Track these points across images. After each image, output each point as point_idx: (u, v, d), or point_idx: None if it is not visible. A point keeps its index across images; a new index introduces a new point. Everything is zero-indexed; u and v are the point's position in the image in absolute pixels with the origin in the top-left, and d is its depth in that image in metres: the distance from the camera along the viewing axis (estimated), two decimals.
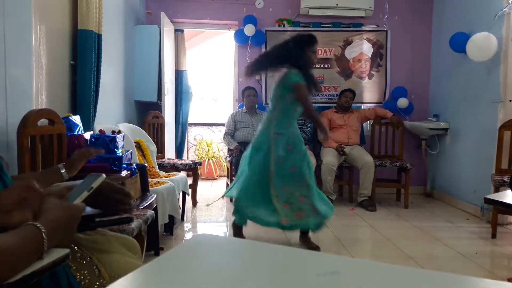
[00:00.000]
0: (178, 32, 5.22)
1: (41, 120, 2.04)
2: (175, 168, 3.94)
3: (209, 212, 4.18)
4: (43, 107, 2.41)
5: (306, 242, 3.06)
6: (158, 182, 3.12)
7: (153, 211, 2.18)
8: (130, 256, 1.22)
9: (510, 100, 3.74)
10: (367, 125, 5.13)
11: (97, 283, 1.04)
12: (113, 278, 1.07)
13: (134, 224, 1.80)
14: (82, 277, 1.05)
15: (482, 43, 3.82)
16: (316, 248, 3.00)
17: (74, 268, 1.06)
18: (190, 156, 6.49)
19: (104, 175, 1.03)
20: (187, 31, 5.65)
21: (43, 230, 0.81)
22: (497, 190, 3.36)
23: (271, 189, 2.90)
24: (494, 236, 3.41)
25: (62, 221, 0.87)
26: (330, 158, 4.35)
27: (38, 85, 2.41)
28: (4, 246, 0.73)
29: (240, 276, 0.85)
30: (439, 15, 5.13)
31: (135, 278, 0.85)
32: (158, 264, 0.90)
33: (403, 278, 0.86)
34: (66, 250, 0.84)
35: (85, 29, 2.88)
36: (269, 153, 2.94)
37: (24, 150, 1.83)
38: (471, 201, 4.21)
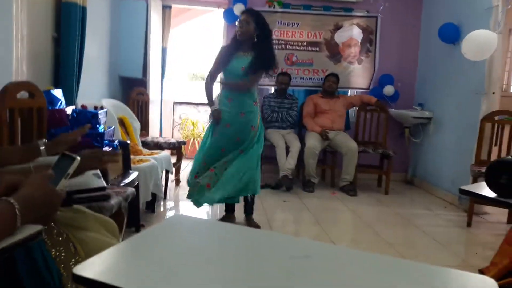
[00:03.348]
0: (166, 8, 5.12)
1: (20, 92, 2.00)
2: (158, 147, 3.92)
3: None
4: (24, 79, 2.35)
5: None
6: (141, 159, 3.10)
7: (133, 189, 2.17)
8: (107, 236, 1.22)
9: (493, 93, 3.79)
10: (352, 111, 5.15)
11: (73, 259, 1.04)
12: (88, 256, 1.07)
13: (113, 201, 1.79)
14: (57, 253, 1.04)
15: (481, 43, 3.57)
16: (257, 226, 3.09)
17: (50, 244, 1.06)
18: (175, 134, 6.45)
19: (78, 158, 1.00)
20: (174, 8, 5.54)
21: (16, 206, 0.80)
22: (475, 180, 3.43)
23: None
24: (469, 224, 3.50)
25: (39, 201, 0.85)
26: (313, 142, 4.37)
27: (18, 57, 2.35)
28: None
29: (214, 257, 0.86)
30: (429, 4, 5.12)
31: (109, 255, 0.85)
32: (132, 243, 0.91)
33: (372, 265, 0.88)
34: (39, 227, 0.84)
35: (69, 1, 2.80)
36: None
37: (2, 123, 1.79)
38: (450, 190, 4.29)
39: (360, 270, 0.84)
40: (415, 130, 5.10)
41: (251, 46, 2.92)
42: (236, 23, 2.96)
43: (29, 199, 0.84)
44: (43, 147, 1.48)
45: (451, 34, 4.32)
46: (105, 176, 2.19)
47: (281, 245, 0.96)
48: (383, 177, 4.76)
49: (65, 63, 2.82)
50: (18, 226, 0.79)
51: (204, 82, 3.13)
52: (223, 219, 3.16)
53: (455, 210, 4.02)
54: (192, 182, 2.96)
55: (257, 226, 3.09)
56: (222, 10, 5.10)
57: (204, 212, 3.53)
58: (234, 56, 2.92)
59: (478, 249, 3.10)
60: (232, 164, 2.90)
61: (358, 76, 5.18)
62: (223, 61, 2.95)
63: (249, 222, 3.12)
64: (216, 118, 2.95)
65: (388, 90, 5.06)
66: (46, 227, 0.96)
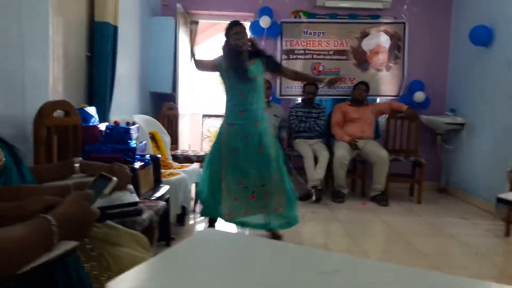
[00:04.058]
0: (193, 23, 5.24)
1: (57, 111, 2.09)
2: (188, 160, 3.98)
3: None
4: (59, 98, 2.46)
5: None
6: (171, 173, 3.16)
7: (165, 202, 2.21)
8: (139, 251, 1.25)
9: None
10: (382, 119, 5.08)
11: (105, 275, 1.07)
12: (121, 271, 1.10)
13: (145, 215, 1.83)
14: (90, 268, 1.08)
15: None
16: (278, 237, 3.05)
17: (83, 259, 1.10)
18: (204, 147, 6.53)
19: (115, 179, 1.04)
20: (202, 23, 5.65)
21: (53, 223, 0.83)
22: None
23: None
24: (507, 234, 3.36)
25: (75, 218, 0.88)
26: (342, 151, 4.33)
27: (55, 77, 2.46)
28: (14, 238, 0.76)
29: (244, 273, 0.86)
30: (459, 7, 5.01)
31: (141, 271, 0.87)
32: (163, 259, 0.92)
33: (405, 279, 0.86)
34: (75, 243, 0.87)
35: (102, 21, 2.91)
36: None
37: (40, 142, 1.87)
38: (486, 198, 4.15)
39: (393, 285, 0.82)
40: (447, 136, 4.97)
41: (249, 54, 2.94)
42: (231, 37, 2.90)
43: (66, 216, 0.87)
44: (78, 165, 1.53)
45: (483, 37, 4.21)
46: (136, 189, 2.25)
47: (311, 259, 0.95)
48: (415, 186, 4.65)
49: (98, 81, 2.93)
50: (55, 242, 0.83)
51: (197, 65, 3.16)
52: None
53: (492, 219, 3.87)
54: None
55: (279, 236, 3.06)
56: (248, 23, 5.17)
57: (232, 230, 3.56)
58: (239, 69, 2.91)
59: None
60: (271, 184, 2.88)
61: (386, 83, 5.11)
62: (231, 75, 2.92)
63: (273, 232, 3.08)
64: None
65: (419, 96, 4.96)
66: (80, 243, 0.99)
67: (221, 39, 3.07)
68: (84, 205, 0.92)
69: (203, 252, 0.96)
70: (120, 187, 1.21)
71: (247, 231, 3.08)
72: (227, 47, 2.95)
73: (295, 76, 3.37)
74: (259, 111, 2.92)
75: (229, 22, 3.00)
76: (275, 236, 3.04)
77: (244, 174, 2.86)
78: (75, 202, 0.91)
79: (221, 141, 2.94)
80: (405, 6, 5.02)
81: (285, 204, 2.91)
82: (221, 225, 3.14)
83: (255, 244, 1.06)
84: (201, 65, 3.14)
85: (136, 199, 1.26)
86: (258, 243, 1.07)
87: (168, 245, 2.77)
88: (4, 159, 1.16)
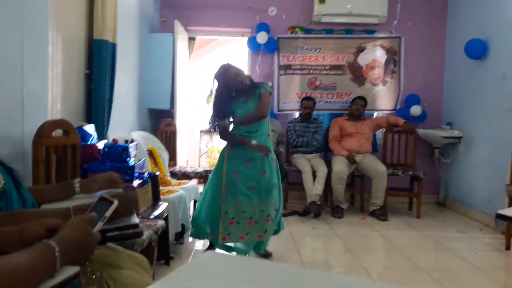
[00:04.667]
0: (191, 40, 5.28)
1: (56, 130, 2.08)
2: (186, 176, 3.97)
3: None
4: (58, 117, 2.46)
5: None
6: (170, 190, 3.15)
7: (163, 221, 2.20)
8: (140, 272, 1.24)
9: None
10: (379, 133, 5.10)
11: None
12: None
13: (144, 235, 1.82)
14: None
15: None
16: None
17: (84, 282, 1.09)
18: (201, 163, 6.53)
19: (116, 202, 1.04)
20: (200, 38, 5.70)
21: (56, 249, 0.83)
22: (511, 200, 3.30)
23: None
24: (508, 247, 3.35)
25: (78, 243, 0.89)
26: (340, 166, 4.33)
27: (54, 95, 2.46)
28: (17, 266, 0.76)
29: None
30: (453, 21, 5.08)
31: None
32: (164, 284, 0.91)
33: None
34: (77, 268, 0.86)
35: (100, 39, 2.93)
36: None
37: (38, 162, 1.86)
38: (485, 211, 4.14)
39: None
40: (445, 150, 4.99)
41: (246, 92, 2.94)
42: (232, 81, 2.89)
43: (68, 241, 0.87)
44: (78, 185, 1.53)
45: (478, 50, 4.27)
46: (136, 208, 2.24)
47: (315, 283, 0.94)
48: (414, 200, 4.65)
49: (97, 99, 2.93)
50: (57, 268, 0.83)
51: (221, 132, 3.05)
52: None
53: (491, 232, 3.86)
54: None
55: (269, 254, 3.05)
56: (245, 38, 5.21)
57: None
58: (238, 101, 2.94)
59: None
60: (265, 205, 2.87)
61: (383, 97, 5.15)
62: (229, 110, 2.95)
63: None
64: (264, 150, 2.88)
65: (415, 110, 4.99)
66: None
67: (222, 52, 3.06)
68: (86, 230, 0.92)
69: (205, 278, 0.95)
70: (127, 212, 1.21)
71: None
72: (229, 91, 2.94)
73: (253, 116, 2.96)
74: (263, 137, 2.92)
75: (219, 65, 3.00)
76: (265, 255, 3.02)
77: (243, 199, 2.85)
78: (77, 226, 0.91)
79: (223, 163, 2.94)
80: (395, 22, 5.08)
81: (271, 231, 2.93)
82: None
83: (256, 268, 1.05)
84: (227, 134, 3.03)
85: (137, 220, 1.26)
86: (260, 266, 1.06)
87: (167, 263, 2.75)
88: (3, 181, 1.16)
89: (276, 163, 3.01)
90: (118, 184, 1.49)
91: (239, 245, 2.95)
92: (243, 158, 2.90)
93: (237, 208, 2.85)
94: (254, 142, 2.84)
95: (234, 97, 2.96)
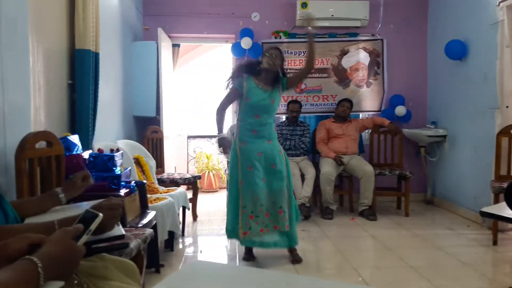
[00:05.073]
0: (175, 46, 5.27)
1: (39, 142, 2.05)
2: (174, 183, 3.95)
3: (210, 226, 4.18)
4: (42, 128, 2.42)
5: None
6: (158, 198, 3.13)
7: (152, 230, 2.18)
8: (128, 283, 1.23)
9: (507, 106, 3.75)
10: (365, 134, 5.14)
11: None
12: None
13: (132, 244, 1.80)
14: None
15: None
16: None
17: None
18: (190, 168, 6.49)
19: (101, 215, 1.03)
20: (184, 45, 5.69)
21: (39, 265, 0.81)
22: (496, 196, 3.35)
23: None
24: (495, 243, 3.40)
25: (61, 258, 0.87)
26: (328, 168, 4.36)
27: (36, 107, 2.43)
28: (0, 283, 0.74)
29: None
30: (434, 23, 5.16)
31: None
32: None
33: None
34: (61, 283, 0.85)
35: (82, 48, 2.90)
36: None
37: (22, 174, 1.84)
38: (472, 208, 4.20)
39: None
40: (430, 149, 5.05)
41: (271, 81, 3.02)
42: (265, 56, 3.02)
43: (52, 256, 0.86)
44: (62, 194, 1.52)
45: (458, 51, 4.34)
46: (123, 218, 2.22)
47: None
48: (402, 199, 4.69)
49: (80, 109, 2.90)
50: (41, 284, 0.81)
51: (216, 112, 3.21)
52: (247, 259, 3.09)
53: (478, 229, 3.92)
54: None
55: (298, 259, 3.05)
56: (230, 44, 5.22)
57: (222, 252, 3.53)
58: (258, 88, 3.00)
59: (506, 268, 3.00)
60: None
61: (368, 99, 5.20)
62: (244, 92, 3.00)
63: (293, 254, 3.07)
64: (224, 146, 3.05)
65: (400, 110, 5.05)
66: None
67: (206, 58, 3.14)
68: (70, 244, 0.90)
69: (194, 285, 0.95)
70: (108, 228, 1.20)
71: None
72: (257, 65, 3.05)
73: (302, 73, 3.27)
74: (271, 130, 3.06)
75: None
76: (296, 260, 3.03)
77: (259, 191, 2.90)
78: (60, 240, 0.89)
79: (237, 160, 2.99)
80: (379, 25, 5.15)
81: (290, 221, 2.97)
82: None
83: (245, 275, 1.05)
84: (225, 108, 3.18)
85: (122, 232, 1.24)
86: (248, 274, 1.06)
87: (157, 272, 2.72)
88: None
89: (284, 154, 3.10)
90: (90, 179, 1.65)
91: (268, 238, 2.93)
92: (255, 150, 2.97)
93: (254, 202, 2.90)
94: (223, 134, 3.07)
95: (256, 78, 3.02)
